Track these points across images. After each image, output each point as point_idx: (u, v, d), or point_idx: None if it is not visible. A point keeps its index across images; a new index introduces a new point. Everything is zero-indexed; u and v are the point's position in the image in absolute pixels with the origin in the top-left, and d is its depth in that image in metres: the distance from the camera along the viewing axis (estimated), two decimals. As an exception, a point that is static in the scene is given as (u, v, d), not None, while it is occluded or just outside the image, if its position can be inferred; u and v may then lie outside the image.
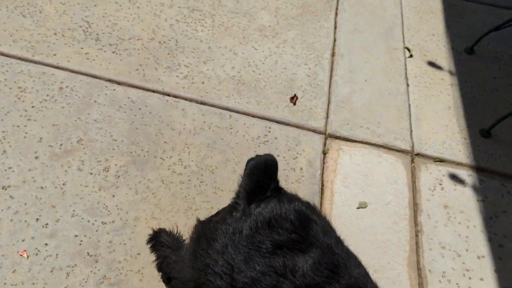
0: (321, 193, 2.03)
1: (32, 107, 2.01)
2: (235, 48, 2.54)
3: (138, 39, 2.43)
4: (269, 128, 2.22)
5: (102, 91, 2.15)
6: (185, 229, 1.79)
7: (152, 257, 1.65)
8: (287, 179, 2.03)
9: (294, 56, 2.60)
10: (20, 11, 2.38)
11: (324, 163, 2.15)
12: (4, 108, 1.97)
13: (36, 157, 1.85)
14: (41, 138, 1.91)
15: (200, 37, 2.55)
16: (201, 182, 1.95)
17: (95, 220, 1.73)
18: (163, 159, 1.98)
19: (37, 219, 1.69)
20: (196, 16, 2.66)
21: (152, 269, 1.66)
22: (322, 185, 2.06)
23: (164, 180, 1.92)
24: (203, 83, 2.33)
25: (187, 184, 1.93)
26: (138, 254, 1.68)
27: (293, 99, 2.36)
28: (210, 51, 2.49)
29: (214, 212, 1.87)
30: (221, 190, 1.94)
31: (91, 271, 1.60)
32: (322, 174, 2.10)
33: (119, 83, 2.21)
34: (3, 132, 1.90)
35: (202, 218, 1.45)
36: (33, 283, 1.54)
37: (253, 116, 2.25)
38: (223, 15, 2.71)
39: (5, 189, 1.73)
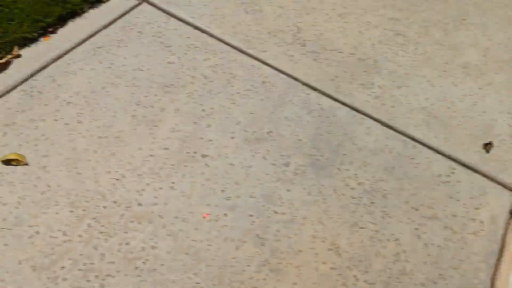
0: (500, 255, 1.83)
1: (238, 93, 2.25)
2: (433, 80, 2.46)
3: (339, 52, 2.53)
4: (454, 169, 2.09)
5: (297, 93, 2.30)
6: (347, 243, 1.80)
7: (312, 258, 1.71)
8: (464, 228, 1.89)
9: (498, 101, 2.39)
10: (244, 7, 2.68)
11: (509, 224, 1.93)
12: (216, 88, 2.25)
13: (232, 137, 2.07)
14: (239, 122, 2.13)
15: (399, 61, 2.53)
16: (371, 202, 1.94)
17: (269, 207, 1.86)
18: (340, 170, 2.03)
19: (223, 190, 1.89)
20: (400, 40, 2.64)
21: (310, 270, 1.71)
22: (503, 246, 1.86)
23: (337, 189, 1.96)
24: (393, 107, 2.30)
25: (357, 200, 1.94)
26: (300, 251, 1.76)
27: (487, 146, 2.18)
28: (406, 77, 2.45)
29: (378, 236, 1.84)
30: (389, 217, 1.90)
31: (257, 252, 1.73)
32: (505, 234, 1.90)
33: (314, 88, 2.33)
34: (211, 108, 2.16)
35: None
36: (209, 244, 1.73)
37: (439, 152, 2.15)
38: (427, 44, 2.64)
39: (204, 157, 1.98)
